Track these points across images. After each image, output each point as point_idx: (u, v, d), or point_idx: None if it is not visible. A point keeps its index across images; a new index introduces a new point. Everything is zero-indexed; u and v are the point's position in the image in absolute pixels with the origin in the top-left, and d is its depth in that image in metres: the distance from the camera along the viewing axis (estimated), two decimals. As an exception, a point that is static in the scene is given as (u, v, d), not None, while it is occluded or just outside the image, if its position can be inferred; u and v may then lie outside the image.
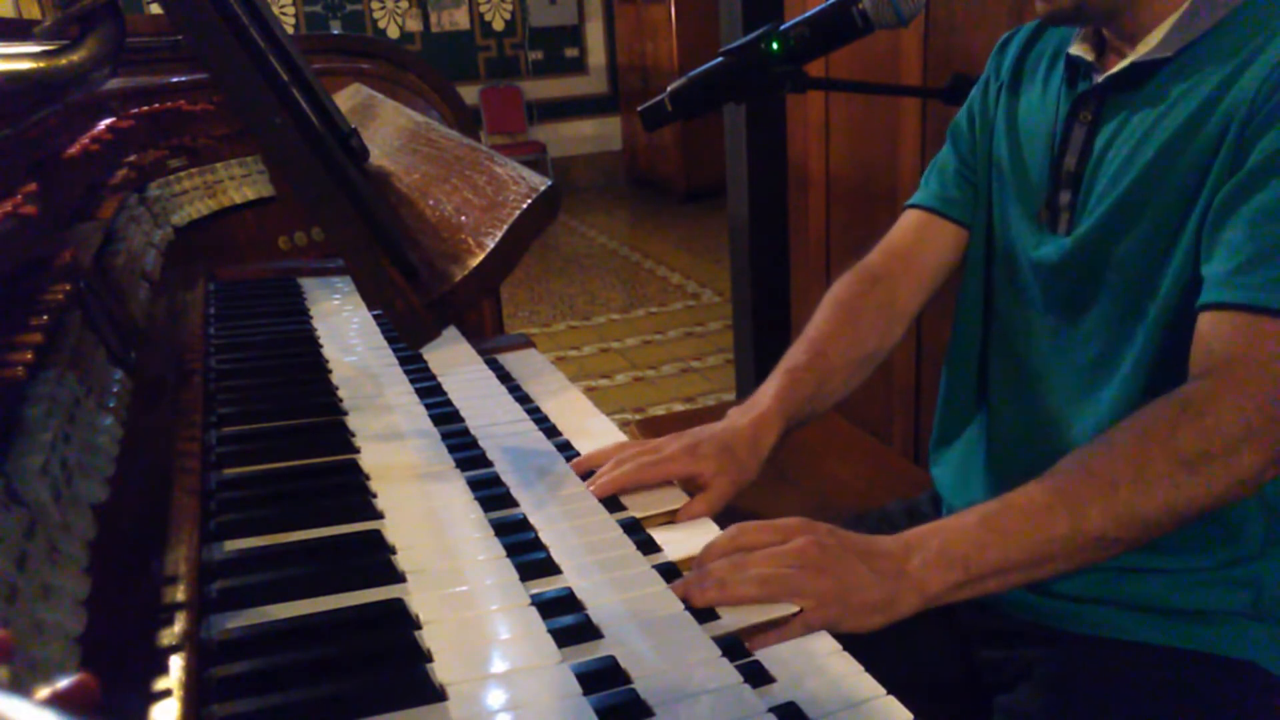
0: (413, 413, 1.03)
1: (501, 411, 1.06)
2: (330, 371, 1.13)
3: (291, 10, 6.68)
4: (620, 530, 0.81)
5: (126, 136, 1.27)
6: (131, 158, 1.30)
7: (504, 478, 0.89)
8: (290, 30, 5.94)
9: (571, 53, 7.52)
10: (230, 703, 0.58)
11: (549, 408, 1.10)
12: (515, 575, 0.73)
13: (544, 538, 0.79)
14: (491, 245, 0.74)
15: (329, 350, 1.21)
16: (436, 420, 1.02)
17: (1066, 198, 0.98)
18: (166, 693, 0.55)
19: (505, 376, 1.19)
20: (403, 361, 1.18)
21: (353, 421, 1.00)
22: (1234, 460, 0.75)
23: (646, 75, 6.95)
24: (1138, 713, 0.88)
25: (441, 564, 0.75)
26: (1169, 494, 0.75)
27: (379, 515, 0.82)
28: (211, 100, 1.55)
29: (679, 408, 3.49)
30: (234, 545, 0.76)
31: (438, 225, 0.83)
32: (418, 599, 0.69)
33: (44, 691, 0.28)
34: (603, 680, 0.62)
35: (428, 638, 0.65)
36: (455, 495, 0.85)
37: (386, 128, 1.24)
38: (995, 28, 1.67)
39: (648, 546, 0.80)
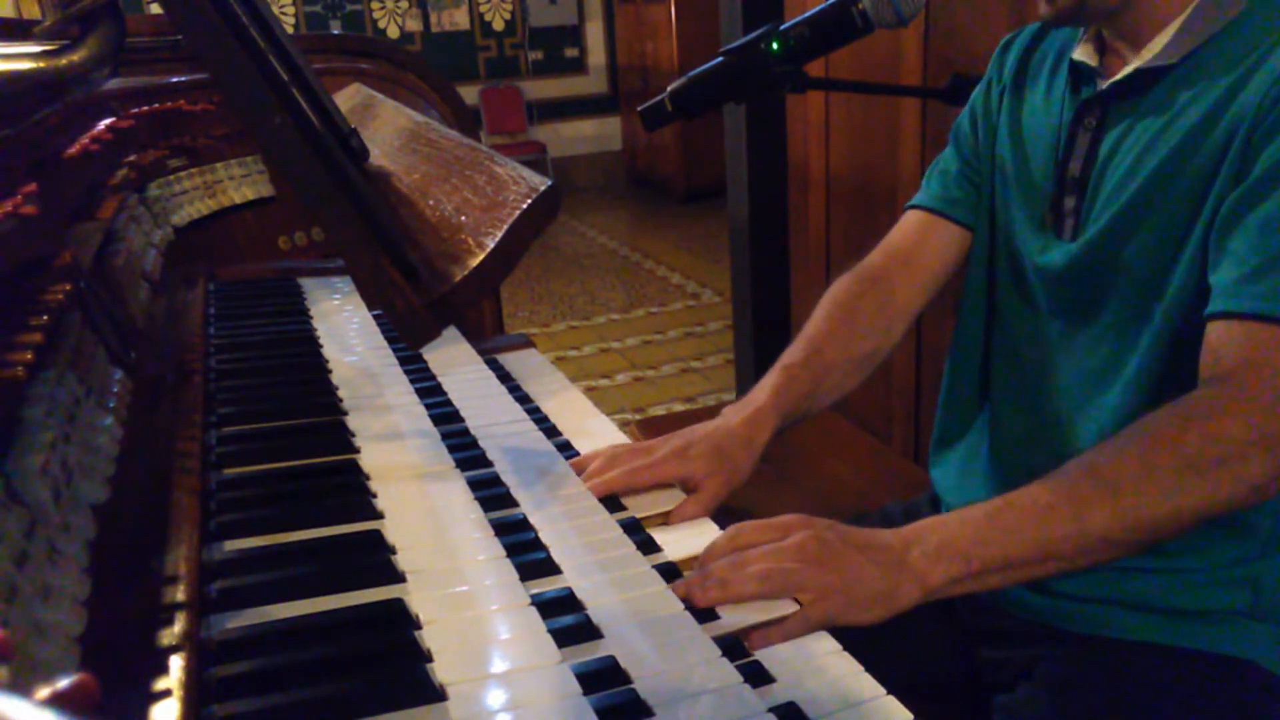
0: (413, 413, 1.03)
1: (501, 411, 1.06)
2: (330, 371, 1.13)
3: (291, 10, 6.68)
4: (620, 530, 0.81)
5: (126, 136, 1.27)
6: (131, 158, 1.30)
7: (504, 478, 0.89)
8: (290, 30, 5.95)
9: (571, 53, 7.52)
10: (230, 703, 0.58)
11: (549, 408, 1.10)
12: (515, 575, 0.73)
13: (544, 538, 0.79)
14: (491, 245, 0.74)
15: (329, 350, 1.21)
16: (436, 420, 1.02)
17: (1071, 203, 0.98)
18: (166, 693, 0.55)
19: (505, 376, 1.19)
20: (403, 361, 1.18)
21: (353, 421, 1.00)
22: (1243, 466, 0.74)
23: (646, 75, 6.95)
24: (1137, 712, 0.88)
25: (441, 564, 0.75)
26: (1174, 497, 0.75)
27: (379, 515, 0.82)
28: (211, 100, 1.55)
29: (679, 408, 3.49)
30: (234, 545, 0.76)
31: (438, 225, 0.83)
32: (418, 599, 0.69)
33: (44, 691, 0.28)
34: (603, 680, 0.62)
35: (428, 638, 0.65)
36: (455, 495, 0.85)
37: (386, 128, 1.24)
38: (996, 28, 1.67)
39: (648, 546, 0.80)
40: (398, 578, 0.72)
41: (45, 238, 0.82)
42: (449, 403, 1.07)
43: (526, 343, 1.34)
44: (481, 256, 0.74)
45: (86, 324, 0.78)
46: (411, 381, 1.12)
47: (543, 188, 0.75)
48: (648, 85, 6.87)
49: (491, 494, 0.86)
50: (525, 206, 0.75)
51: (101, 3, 0.83)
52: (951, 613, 1.08)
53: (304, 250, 1.68)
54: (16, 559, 0.51)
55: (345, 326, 1.31)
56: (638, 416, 3.35)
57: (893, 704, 0.62)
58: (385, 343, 1.25)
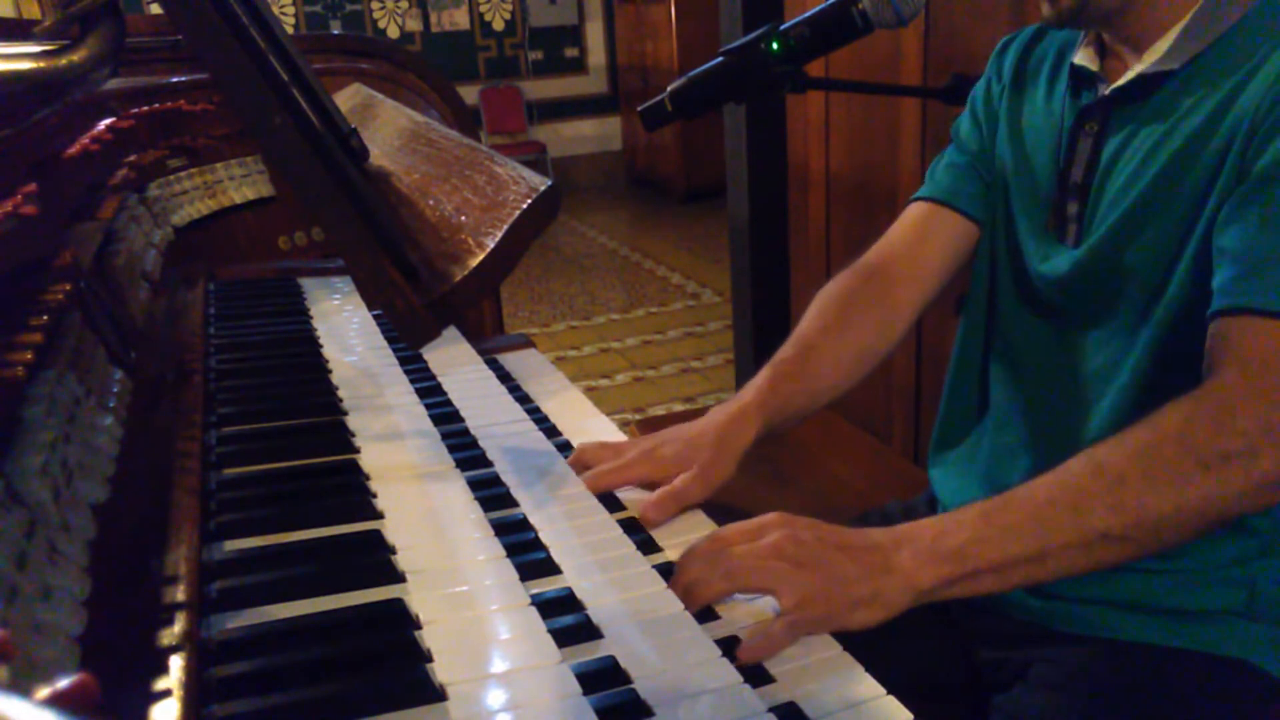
0: (413, 413, 1.03)
1: (501, 411, 1.06)
2: (330, 371, 1.13)
3: (291, 10, 6.68)
4: (620, 530, 0.81)
5: (126, 136, 1.27)
6: (131, 158, 1.30)
7: (504, 478, 0.89)
8: (290, 30, 5.94)
9: (571, 53, 7.53)
10: (230, 703, 0.58)
11: (549, 408, 1.10)
12: (515, 575, 0.73)
13: (544, 538, 0.79)
14: (491, 245, 0.74)
15: (329, 350, 1.21)
16: (436, 420, 1.02)
17: (1074, 209, 0.97)
18: (166, 693, 0.55)
19: (505, 376, 1.19)
20: (403, 361, 1.18)
21: (353, 421, 1.00)
22: (1251, 462, 0.72)
23: (646, 75, 6.95)
24: (1134, 712, 0.88)
25: (441, 564, 0.75)
26: (1180, 492, 0.73)
27: (379, 515, 0.82)
28: (211, 100, 1.55)
29: (679, 408, 3.49)
30: (234, 545, 0.76)
31: (438, 225, 0.83)
32: (418, 599, 0.69)
33: (44, 691, 0.28)
34: (603, 680, 0.62)
35: (428, 638, 0.65)
36: (455, 495, 0.85)
37: (386, 128, 1.24)
38: (995, 28, 1.67)
39: (648, 546, 0.80)
40: (398, 578, 0.72)
41: (45, 238, 0.82)
42: (449, 403, 1.07)
43: (526, 343, 1.34)
44: (481, 256, 0.74)
45: (86, 324, 0.78)
46: (411, 381, 1.12)
47: (543, 188, 0.75)
48: (648, 85, 6.87)
49: (491, 494, 0.86)
50: (525, 206, 0.75)
51: (101, 3, 0.83)
52: (950, 614, 1.08)
53: (304, 250, 1.68)
54: (16, 559, 0.51)
55: (345, 326, 1.31)
56: (638, 416, 3.35)
57: (893, 704, 0.62)
58: (385, 343, 1.25)
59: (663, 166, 7.02)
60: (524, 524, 0.81)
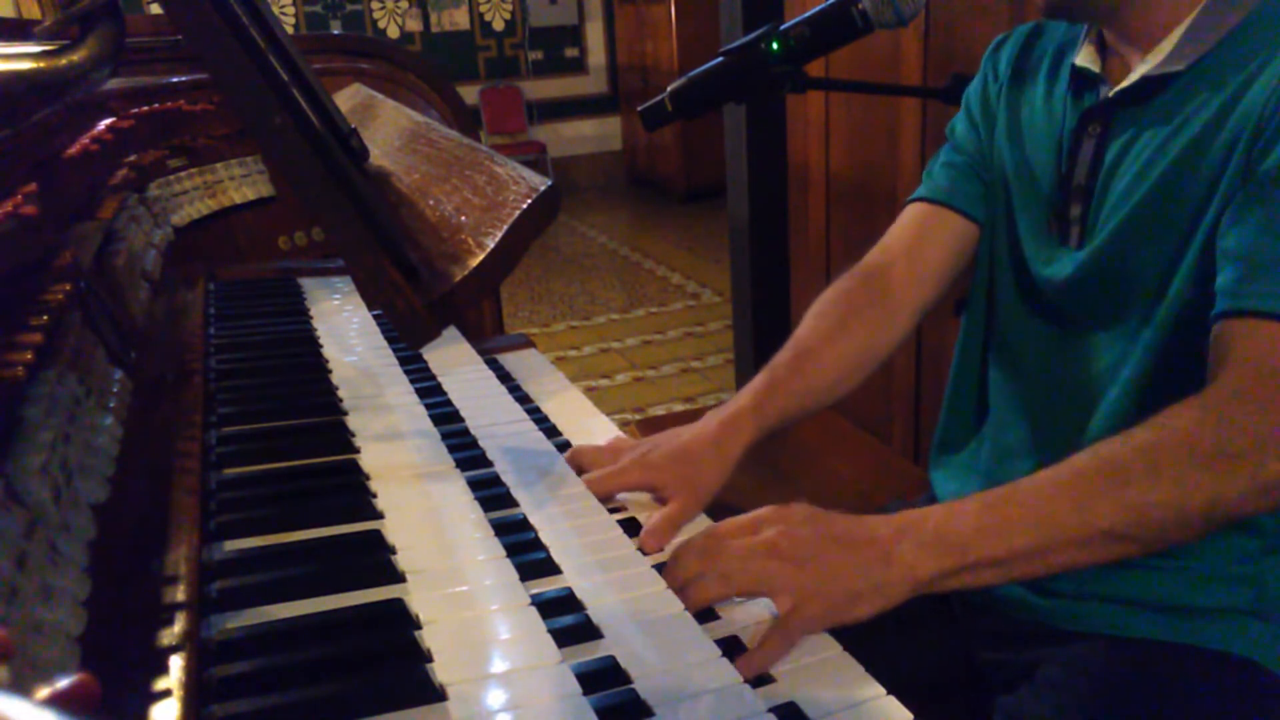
0: (413, 413, 1.03)
1: (501, 411, 1.06)
2: (330, 371, 1.13)
3: (291, 10, 6.68)
4: (620, 530, 0.81)
5: (126, 136, 1.27)
6: (131, 158, 1.30)
7: (504, 478, 0.89)
8: (290, 30, 5.94)
9: (571, 53, 7.53)
10: (230, 703, 0.58)
11: (549, 408, 1.10)
12: (515, 575, 0.73)
13: (544, 538, 0.79)
14: (491, 245, 0.74)
15: (329, 350, 1.21)
16: (436, 420, 1.02)
17: (1077, 211, 0.97)
18: (166, 693, 0.55)
19: (505, 376, 1.19)
20: (403, 361, 1.18)
21: (353, 421, 1.00)
22: (1258, 464, 0.72)
23: (646, 75, 6.95)
24: (1140, 709, 0.88)
25: (441, 564, 0.75)
26: (1184, 492, 0.73)
27: (379, 515, 0.82)
28: (211, 100, 1.55)
29: (679, 408, 3.49)
30: (234, 545, 0.76)
31: (438, 225, 0.83)
32: (418, 599, 0.69)
33: (44, 691, 0.28)
34: (603, 680, 0.62)
35: (428, 638, 0.65)
36: (455, 495, 0.85)
37: (386, 128, 1.24)
38: (995, 28, 1.67)
39: (648, 546, 0.80)
40: (398, 578, 0.72)
41: (45, 238, 0.82)
42: (449, 403, 1.07)
43: (526, 343, 1.34)
44: (481, 256, 0.74)
45: (86, 324, 0.78)
46: (411, 381, 1.12)
47: (543, 188, 0.75)
48: (648, 85, 6.87)
49: (491, 494, 0.86)
50: (525, 206, 0.75)
51: (101, 3, 0.83)
52: (951, 614, 1.08)
53: (304, 250, 1.68)
54: (16, 559, 0.51)
55: (345, 326, 1.31)
56: (638, 416, 3.35)
57: (893, 704, 0.62)
58: (385, 343, 1.25)
59: (663, 166, 7.02)
60: (524, 524, 0.81)
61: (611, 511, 0.85)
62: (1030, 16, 1.56)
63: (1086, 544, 0.75)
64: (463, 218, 0.81)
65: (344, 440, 0.95)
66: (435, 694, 0.60)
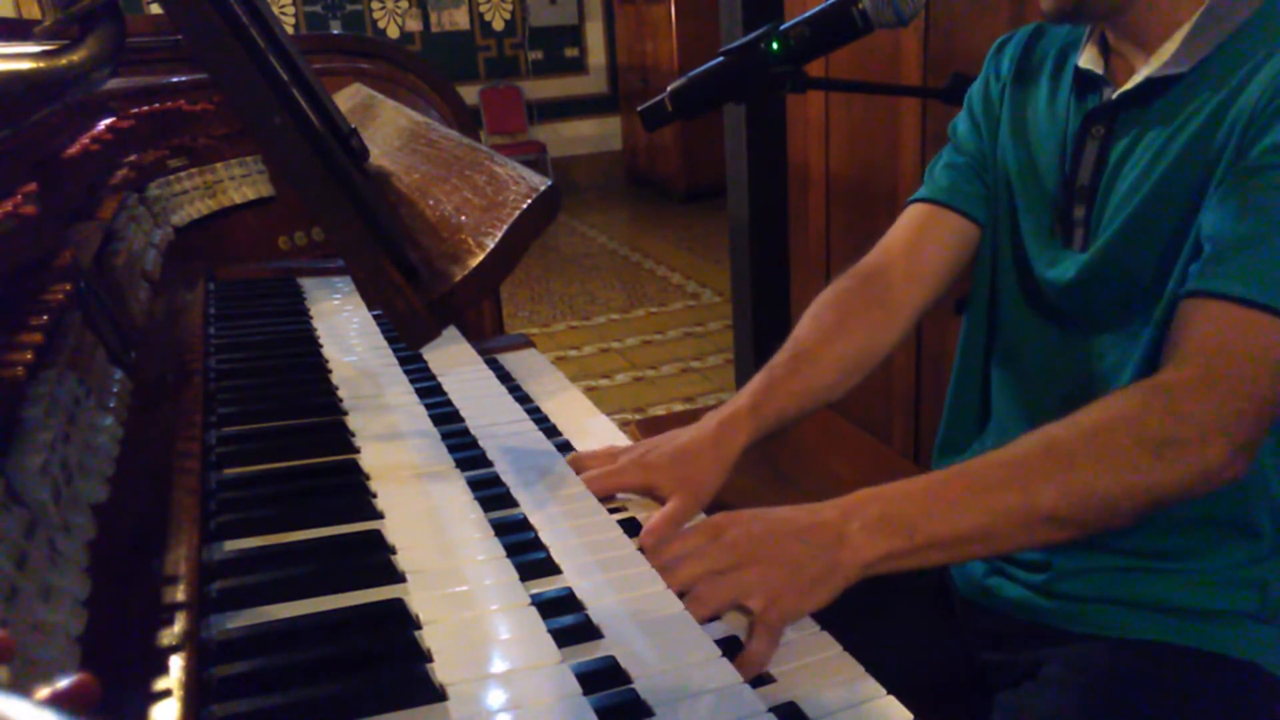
0: (413, 413, 1.03)
1: (501, 411, 1.06)
2: (330, 371, 1.13)
3: (291, 10, 6.68)
4: (620, 530, 0.81)
5: (126, 136, 1.27)
6: (131, 158, 1.30)
7: (504, 478, 0.89)
8: (290, 30, 5.95)
9: (571, 53, 7.53)
10: (230, 703, 0.58)
11: (549, 408, 1.10)
12: (515, 575, 0.73)
13: (544, 538, 0.79)
14: (491, 245, 0.74)
15: (329, 350, 1.21)
16: (436, 420, 1.02)
17: (1081, 212, 0.97)
18: (166, 693, 0.55)
19: (505, 376, 1.19)
20: (403, 361, 1.18)
21: (353, 421, 1.00)
22: (1201, 451, 0.73)
23: (646, 75, 6.95)
24: (1139, 711, 0.88)
25: (441, 564, 0.75)
26: (1129, 477, 0.74)
27: (379, 515, 0.82)
28: (211, 100, 1.55)
29: (679, 408, 3.49)
30: (234, 545, 0.76)
31: (438, 225, 0.83)
32: (418, 599, 0.69)
33: (44, 691, 0.28)
34: (603, 680, 0.62)
35: (428, 638, 0.65)
36: (455, 495, 0.85)
37: (386, 128, 1.25)
38: (995, 28, 1.67)
39: (648, 546, 0.80)
40: (398, 578, 0.72)
41: (45, 238, 0.82)
42: (449, 403, 1.07)
43: (526, 343, 1.34)
44: (481, 256, 0.74)
45: (86, 324, 0.78)
46: (411, 381, 1.12)
47: (543, 188, 0.75)
48: (648, 85, 6.87)
49: (491, 494, 0.86)
50: (525, 206, 0.75)
51: (101, 3, 0.83)
52: (951, 613, 1.08)
53: (304, 250, 1.68)
54: (16, 559, 0.51)
55: (345, 326, 1.31)
56: (638, 416, 3.35)
57: (893, 704, 0.62)
58: (385, 343, 1.25)
59: (663, 166, 7.02)
60: (524, 524, 0.81)
61: (611, 511, 0.85)
62: (1030, 16, 1.57)
63: (1029, 527, 0.75)
64: (463, 217, 0.81)
65: (344, 440, 0.95)
66: (435, 694, 0.60)
